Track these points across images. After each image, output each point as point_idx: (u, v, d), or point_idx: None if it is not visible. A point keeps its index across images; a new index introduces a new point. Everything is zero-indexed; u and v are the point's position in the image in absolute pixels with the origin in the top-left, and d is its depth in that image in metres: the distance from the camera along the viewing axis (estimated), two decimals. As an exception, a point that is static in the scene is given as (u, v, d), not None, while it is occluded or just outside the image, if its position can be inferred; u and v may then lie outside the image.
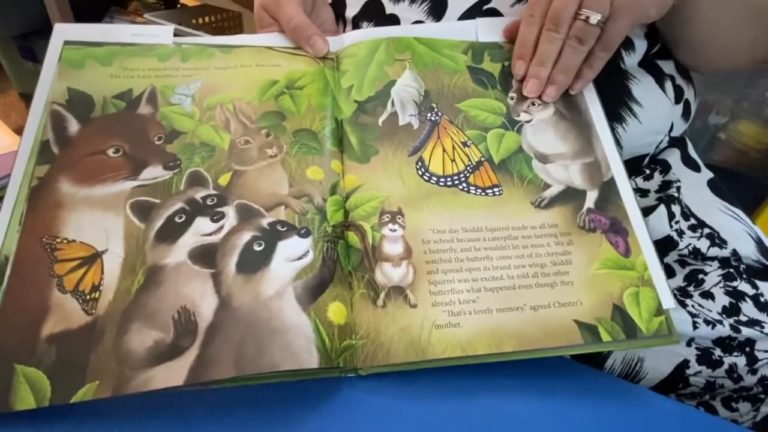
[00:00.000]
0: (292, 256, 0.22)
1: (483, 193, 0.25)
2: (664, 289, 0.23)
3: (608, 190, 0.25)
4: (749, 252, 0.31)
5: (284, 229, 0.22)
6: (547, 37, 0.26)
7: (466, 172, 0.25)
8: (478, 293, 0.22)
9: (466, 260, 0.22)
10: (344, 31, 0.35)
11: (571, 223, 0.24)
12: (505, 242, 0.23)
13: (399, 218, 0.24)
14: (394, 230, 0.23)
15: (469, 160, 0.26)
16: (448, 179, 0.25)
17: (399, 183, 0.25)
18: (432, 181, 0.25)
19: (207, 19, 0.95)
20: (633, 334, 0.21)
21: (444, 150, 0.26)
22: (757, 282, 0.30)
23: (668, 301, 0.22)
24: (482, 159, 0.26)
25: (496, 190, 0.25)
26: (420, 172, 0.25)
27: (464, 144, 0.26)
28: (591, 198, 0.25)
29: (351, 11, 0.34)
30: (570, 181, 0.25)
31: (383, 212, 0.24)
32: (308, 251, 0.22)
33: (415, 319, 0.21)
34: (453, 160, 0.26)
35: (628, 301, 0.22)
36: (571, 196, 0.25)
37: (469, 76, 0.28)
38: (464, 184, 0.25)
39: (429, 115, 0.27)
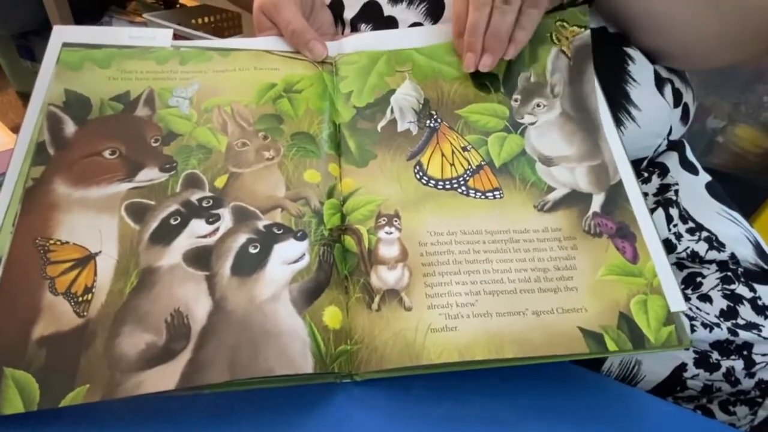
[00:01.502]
0: (288, 258, 0.21)
1: (483, 197, 0.24)
2: (675, 292, 0.22)
3: (615, 193, 0.24)
4: (747, 255, 0.31)
5: (280, 231, 0.22)
6: (474, 5, 0.26)
7: (465, 175, 0.25)
8: (477, 296, 0.21)
9: (464, 263, 0.22)
10: (342, 33, 0.35)
11: (576, 227, 0.23)
12: (506, 245, 0.23)
13: (395, 221, 0.23)
14: (390, 233, 0.23)
15: (469, 164, 0.25)
16: (447, 183, 0.25)
17: (397, 187, 0.25)
18: (430, 184, 0.25)
19: (206, 19, 0.95)
20: (641, 344, 0.20)
21: (443, 155, 0.26)
22: (755, 285, 0.30)
23: (678, 304, 0.22)
24: (482, 163, 0.25)
25: (496, 193, 0.24)
26: (418, 176, 0.25)
27: (464, 149, 0.26)
28: (597, 202, 0.24)
29: (349, 13, 0.34)
30: (575, 184, 0.25)
31: (380, 215, 0.24)
32: (304, 254, 0.22)
33: (410, 323, 0.21)
34: (452, 165, 0.25)
35: (635, 309, 0.21)
36: (576, 199, 0.24)
37: (471, 82, 0.28)
38: (463, 188, 0.25)
39: (428, 122, 0.27)
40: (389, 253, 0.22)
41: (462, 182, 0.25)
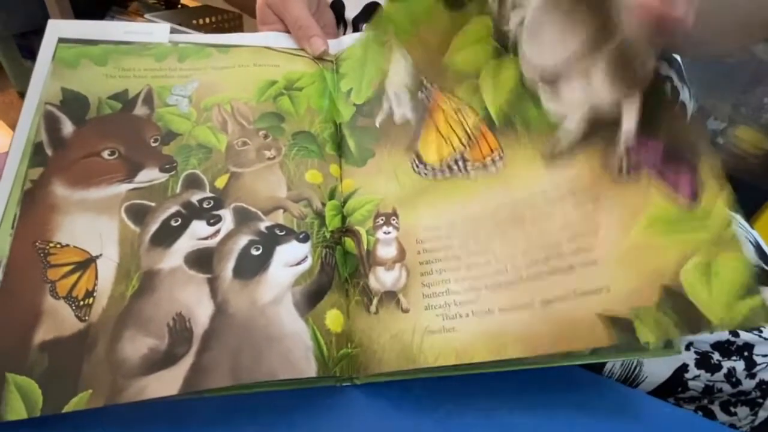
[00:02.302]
0: (291, 261, 0.21)
1: (483, 168, 0.21)
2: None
3: (660, 93, 0.16)
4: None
5: (283, 233, 0.22)
6: None
7: (462, 150, 0.22)
8: (477, 292, 0.19)
9: (463, 256, 0.20)
10: (344, 33, 0.35)
11: (600, 170, 0.17)
12: (510, 224, 0.19)
13: (393, 220, 0.23)
14: (389, 233, 0.23)
15: (464, 129, 0.22)
16: (446, 168, 0.23)
17: (394, 183, 0.24)
18: (429, 175, 0.24)
19: (207, 20, 0.95)
20: (697, 327, 0.14)
21: (438, 130, 0.24)
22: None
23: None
24: (478, 123, 0.22)
25: (495, 156, 0.21)
26: (415, 167, 0.24)
27: (457, 111, 0.23)
28: (630, 121, 0.16)
29: (351, 13, 0.34)
30: (596, 98, 0.17)
31: (378, 215, 0.23)
32: (307, 256, 0.22)
33: (407, 325, 0.20)
34: (447, 140, 0.23)
35: (691, 278, 0.14)
36: (598, 127, 0.17)
37: (442, 4, 0.24)
38: (461, 164, 0.22)
39: (420, 93, 0.25)
40: (387, 254, 0.22)
41: (459, 158, 0.23)
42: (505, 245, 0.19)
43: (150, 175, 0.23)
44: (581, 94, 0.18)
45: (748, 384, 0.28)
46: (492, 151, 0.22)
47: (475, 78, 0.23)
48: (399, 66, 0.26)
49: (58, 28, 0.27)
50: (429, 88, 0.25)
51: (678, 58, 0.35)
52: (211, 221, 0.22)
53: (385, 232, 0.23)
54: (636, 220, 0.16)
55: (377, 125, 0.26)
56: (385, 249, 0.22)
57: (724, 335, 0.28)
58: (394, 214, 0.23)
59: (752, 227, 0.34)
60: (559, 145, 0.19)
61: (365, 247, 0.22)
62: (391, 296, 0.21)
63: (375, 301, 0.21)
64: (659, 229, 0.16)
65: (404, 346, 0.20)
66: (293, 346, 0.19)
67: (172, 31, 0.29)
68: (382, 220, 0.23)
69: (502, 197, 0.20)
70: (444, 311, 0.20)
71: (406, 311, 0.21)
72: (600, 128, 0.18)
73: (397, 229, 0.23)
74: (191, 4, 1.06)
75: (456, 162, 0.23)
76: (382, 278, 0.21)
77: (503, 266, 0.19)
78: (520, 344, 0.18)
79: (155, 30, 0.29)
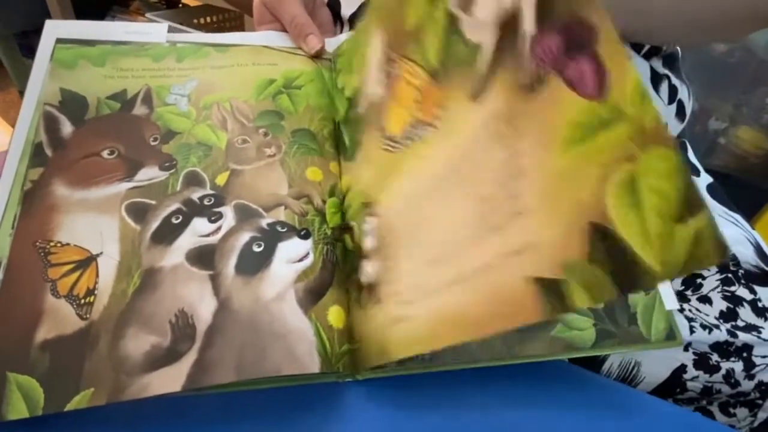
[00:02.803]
0: (293, 257, 0.21)
1: (431, 128, 0.19)
2: (667, 291, 0.21)
3: None
4: (748, 257, 0.31)
5: (284, 230, 0.22)
6: None
7: (415, 113, 0.20)
8: (424, 270, 0.17)
9: (414, 233, 0.18)
10: (341, 32, 0.35)
11: (514, 91, 0.14)
12: (449, 184, 0.17)
13: (373, 208, 0.22)
14: (370, 223, 0.22)
15: (415, 89, 0.20)
16: (406, 137, 0.21)
17: (372, 169, 0.23)
18: (391, 148, 0.21)
19: (208, 19, 0.95)
20: (635, 280, 0.11)
21: (398, 99, 0.22)
22: (755, 287, 0.30)
23: (671, 303, 0.21)
24: (426, 80, 0.19)
25: (440, 112, 0.19)
26: (382, 144, 0.22)
27: (410, 73, 0.21)
28: (528, 19, 0.13)
29: (346, 11, 0.34)
30: (501, 4, 0.15)
31: (365, 206, 0.22)
32: (309, 253, 0.22)
33: (382, 317, 0.19)
34: (405, 107, 0.21)
35: (619, 204, 0.11)
36: (507, 43, 0.15)
37: None
38: (418, 128, 0.20)
39: (388, 68, 0.22)
40: (369, 244, 0.21)
41: (415, 123, 0.20)
42: (446, 210, 0.16)
43: (150, 174, 0.23)
44: (491, 6, 0.15)
45: (747, 385, 0.28)
46: (437, 107, 0.19)
47: (420, 32, 0.20)
48: (375, 47, 0.24)
49: (55, 28, 0.27)
50: (395, 61, 0.22)
51: (678, 56, 0.35)
52: (213, 218, 0.22)
53: (368, 223, 0.22)
54: (553, 141, 0.13)
55: (362, 112, 0.25)
56: (369, 240, 0.21)
57: (723, 336, 0.28)
58: (375, 202, 0.22)
59: (753, 228, 0.34)
60: (478, 76, 0.16)
61: (358, 241, 0.22)
62: (373, 288, 0.20)
63: (363, 295, 0.20)
64: (576, 144, 0.12)
65: (380, 338, 0.19)
66: (297, 342, 0.19)
67: (171, 30, 0.29)
68: (367, 211, 0.22)
69: (443, 157, 0.17)
70: (403, 297, 0.18)
71: (378, 302, 0.19)
72: (507, 43, 0.15)
73: (377, 216, 0.21)
74: (192, 4, 1.06)
75: (413, 127, 0.20)
76: (367, 270, 0.21)
77: (443, 237, 0.16)
78: (462, 326, 0.15)
79: (153, 30, 0.29)
